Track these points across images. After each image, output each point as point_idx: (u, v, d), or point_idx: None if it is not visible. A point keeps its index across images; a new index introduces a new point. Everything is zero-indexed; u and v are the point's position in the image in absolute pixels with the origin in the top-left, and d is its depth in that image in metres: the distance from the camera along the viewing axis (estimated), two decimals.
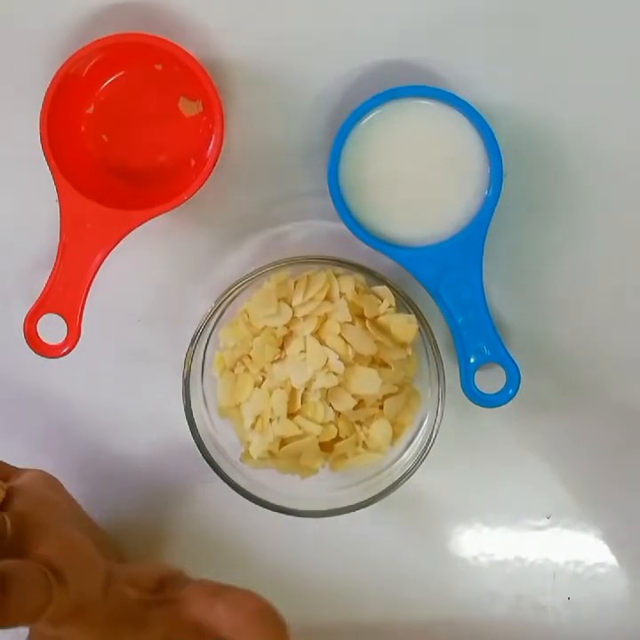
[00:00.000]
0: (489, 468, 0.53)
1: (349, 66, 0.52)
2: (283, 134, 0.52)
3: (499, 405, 0.50)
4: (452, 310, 0.49)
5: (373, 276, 0.49)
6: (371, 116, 0.49)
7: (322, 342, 0.48)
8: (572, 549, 0.53)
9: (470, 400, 0.50)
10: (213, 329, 0.50)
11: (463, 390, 0.50)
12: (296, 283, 0.49)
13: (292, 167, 0.52)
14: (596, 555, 0.53)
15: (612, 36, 0.52)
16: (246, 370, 0.49)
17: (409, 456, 0.49)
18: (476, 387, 0.50)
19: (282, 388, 0.48)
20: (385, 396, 0.49)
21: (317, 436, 0.48)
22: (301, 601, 0.53)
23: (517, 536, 0.53)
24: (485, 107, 0.49)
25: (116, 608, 0.41)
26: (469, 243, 0.49)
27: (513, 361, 0.50)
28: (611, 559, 0.53)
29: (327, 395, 0.48)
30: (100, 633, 0.40)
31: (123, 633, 0.41)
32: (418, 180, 0.50)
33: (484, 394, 0.50)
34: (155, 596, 0.42)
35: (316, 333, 0.48)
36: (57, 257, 0.50)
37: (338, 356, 0.47)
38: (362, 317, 0.48)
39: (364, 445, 0.49)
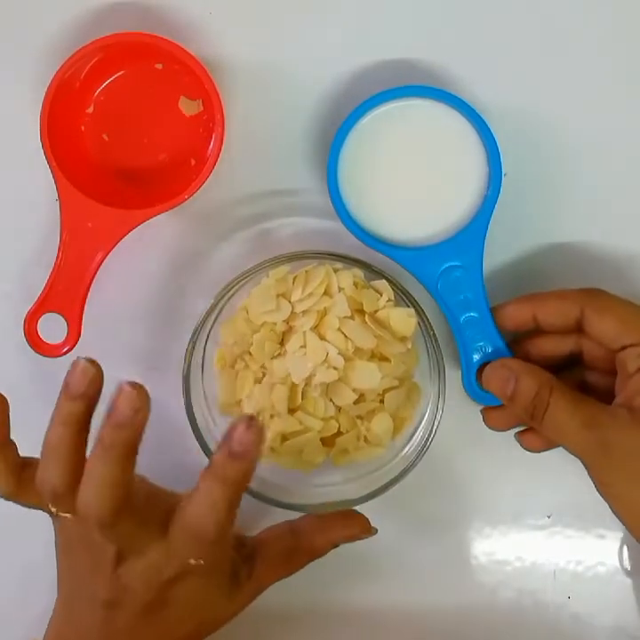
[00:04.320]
0: (490, 466, 0.53)
1: (349, 66, 0.52)
2: (282, 134, 0.52)
3: (500, 404, 0.49)
4: (453, 309, 0.49)
5: (372, 271, 0.49)
6: (370, 115, 0.49)
7: (321, 337, 0.48)
8: (573, 548, 0.53)
9: (472, 399, 0.50)
10: (213, 326, 0.49)
11: (465, 389, 0.50)
12: (295, 278, 0.48)
13: (292, 166, 0.52)
14: (597, 554, 0.53)
15: (611, 37, 0.52)
16: (246, 366, 0.49)
17: (410, 450, 0.49)
18: (477, 386, 0.50)
19: (282, 383, 0.48)
20: (385, 391, 0.49)
21: (319, 431, 0.48)
22: (303, 593, 0.53)
23: (518, 535, 0.53)
24: (485, 107, 0.49)
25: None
26: (469, 242, 0.49)
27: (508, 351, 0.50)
28: (611, 558, 0.53)
29: (327, 390, 0.48)
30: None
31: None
32: (418, 179, 0.50)
33: (485, 393, 0.49)
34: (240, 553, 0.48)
35: (315, 328, 0.48)
36: (57, 256, 0.50)
37: (337, 351, 0.47)
38: (361, 312, 0.48)
39: (366, 440, 0.49)
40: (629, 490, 0.45)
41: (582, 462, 0.46)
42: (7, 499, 0.45)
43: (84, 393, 0.41)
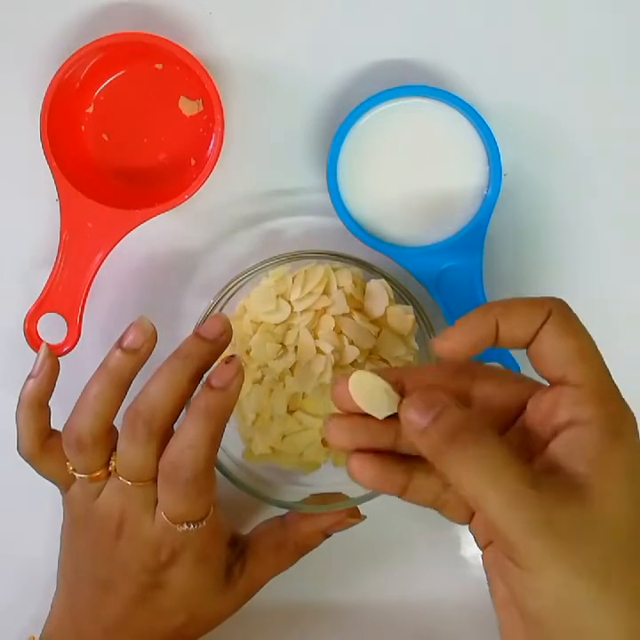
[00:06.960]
0: None
1: (349, 66, 0.52)
2: (282, 133, 0.52)
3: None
4: (453, 309, 0.49)
5: (371, 270, 0.48)
6: (370, 115, 0.49)
7: (316, 336, 0.47)
8: None
9: None
10: None
11: None
12: (294, 278, 0.48)
13: (292, 166, 0.52)
14: None
15: (611, 37, 0.52)
16: (245, 366, 0.49)
17: None
18: None
19: (283, 383, 0.48)
20: None
21: (319, 431, 0.48)
22: (308, 587, 0.53)
23: None
24: (485, 106, 0.49)
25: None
26: (469, 242, 0.49)
27: (514, 360, 0.50)
28: None
29: (327, 389, 0.48)
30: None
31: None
32: (417, 179, 0.50)
33: None
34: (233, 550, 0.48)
35: (312, 328, 0.48)
36: (57, 256, 0.50)
37: (333, 349, 0.47)
38: (360, 311, 0.48)
39: None
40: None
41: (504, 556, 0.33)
42: (27, 460, 0.46)
43: (138, 349, 0.44)
